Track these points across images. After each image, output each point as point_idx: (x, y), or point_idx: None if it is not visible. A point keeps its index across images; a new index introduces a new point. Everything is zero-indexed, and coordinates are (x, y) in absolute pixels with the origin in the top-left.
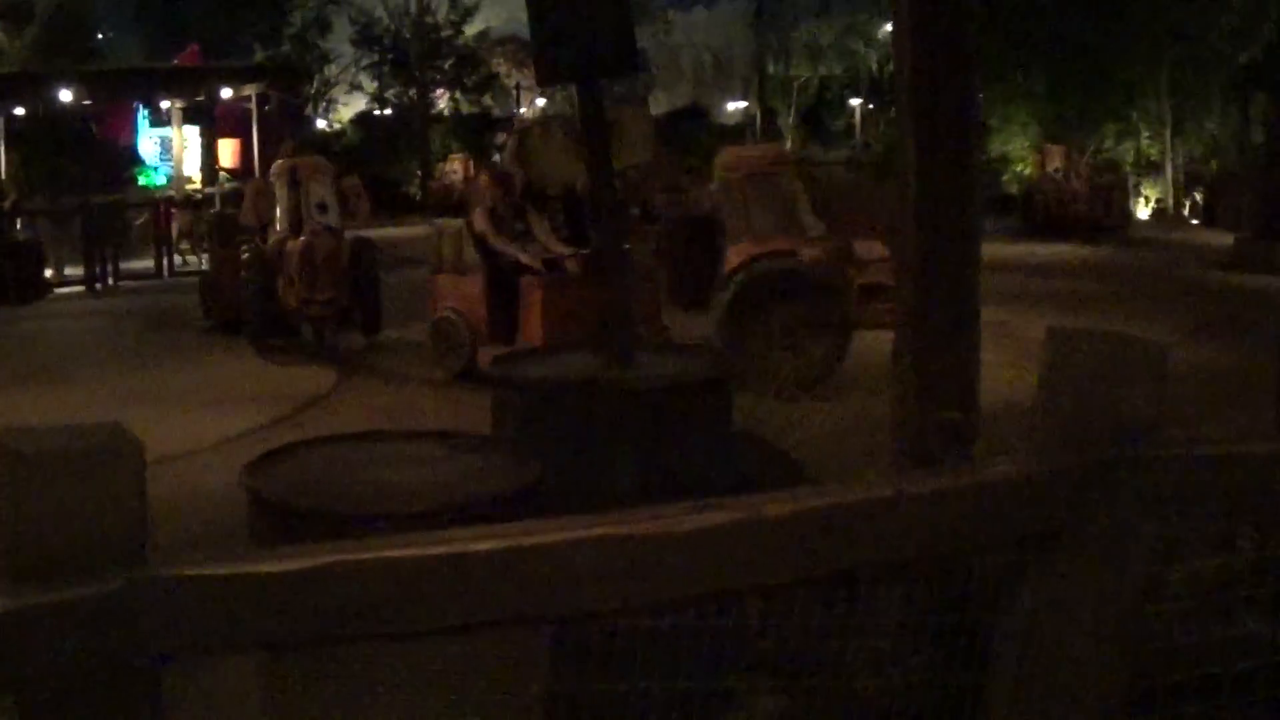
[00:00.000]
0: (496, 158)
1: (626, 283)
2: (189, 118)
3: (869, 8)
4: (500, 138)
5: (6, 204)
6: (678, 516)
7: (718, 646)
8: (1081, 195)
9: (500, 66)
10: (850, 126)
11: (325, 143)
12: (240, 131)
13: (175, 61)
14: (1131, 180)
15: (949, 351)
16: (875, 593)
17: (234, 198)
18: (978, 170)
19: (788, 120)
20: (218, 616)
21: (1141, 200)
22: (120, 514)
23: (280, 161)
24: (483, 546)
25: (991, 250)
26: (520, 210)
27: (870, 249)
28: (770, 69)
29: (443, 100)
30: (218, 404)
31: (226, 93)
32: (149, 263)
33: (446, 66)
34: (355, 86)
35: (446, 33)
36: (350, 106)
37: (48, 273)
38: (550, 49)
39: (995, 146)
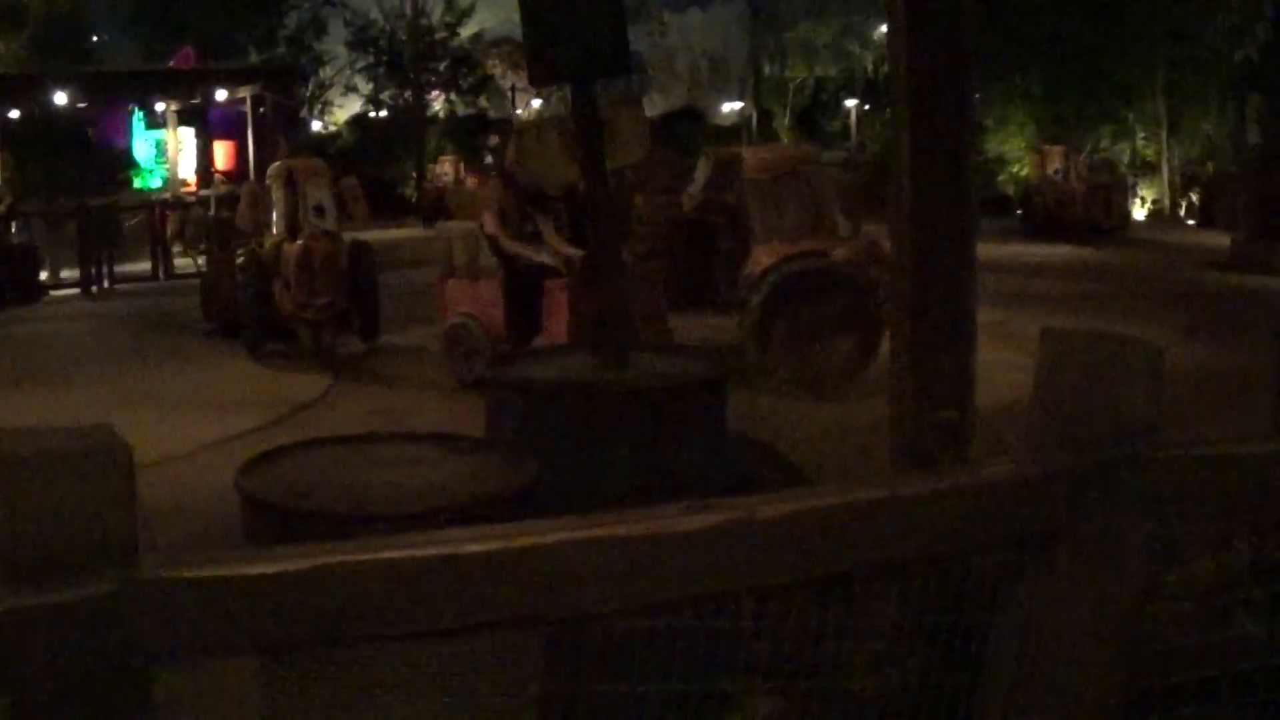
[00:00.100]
0: (489, 159)
1: (622, 283)
2: (184, 120)
3: (864, 9)
4: (492, 139)
5: (2, 207)
6: (673, 517)
7: (714, 648)
8: (1080, 196)
9: (495, 68)
10: (846, 128)
11: (320, 145)
12: (235, 134)
13: (170, 64)
14: (1128, 181)
15: (945, 352)
16: (872, 593)
17: (229, 200)
18: (973, 170)
19: (784, 121)
20: (212, 618)
21: (1138, 201)
22: (113, 516)
23: (277, 164)
24: (478, 547)
25: (989, 251)
26: (528, 212)
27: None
28: (766, 70)
29: (438, 102)
30: (210, 408)
31: (222, 95)
32: (145, 265)
33: (442, 68)
34: (350, 88)
35: (441, 35)
36: (346, 108)
37: (43, 275)
38: (543, 50)
39: (991, 147)
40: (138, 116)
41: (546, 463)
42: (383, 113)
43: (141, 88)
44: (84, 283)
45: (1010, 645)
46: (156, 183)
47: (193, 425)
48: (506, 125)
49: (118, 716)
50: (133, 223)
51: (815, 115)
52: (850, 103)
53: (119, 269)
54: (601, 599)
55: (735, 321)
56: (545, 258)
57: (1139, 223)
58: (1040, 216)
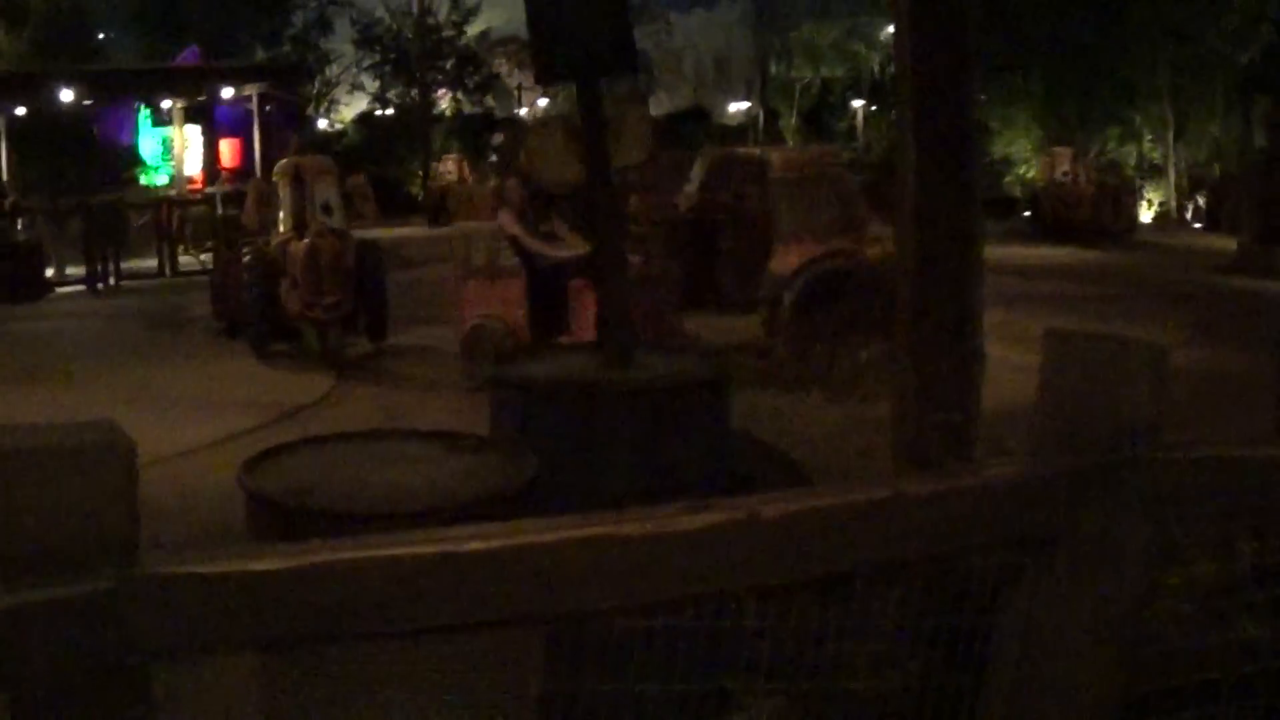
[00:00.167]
0: (493, 158)
1: (624, 283)
2: (190, 117)
3: (870, 9)
4: (496, 138)
5: (7, 204)
6: (674, 517)
7: (715, 647)
8: (1088, 198)
9: (501, 67)
10: (852, 128)
11: (326, 143)
12: (241, 132)
13: (176, 61)
14: (1136, 184)
15: (949, 353)
16: (873, 594)
17: (234, 197)
18: (978, 171)
19: (790, 122)
20: (211, 615)
21: (1144, 204)
22: (112, 512)
23: (284, 161)
24: (478, 545)
25: (996, 252)
26: (545, 211)
27: None
28: (772, 70)
29: (444, 100)
30: (208, 407)
31: (228, 93)
32: (151, 262)
33: (448, 67)
34: (357, 87)
35: (448, 33)
36: (352, 107)
37: (49, 272)
38: (549, 48)
39: (997, 148)
40: (144, 114)
41: (548, 462)
42: (389, 111)
43: (147, 85)
44: (90, 280)
45: (1011, 646)
46: (163, 180)
47: (189, 425)
48: (511, 124)
49: (117, 714)
50: (141, 223)
51: (821, 116)
52: (856, 103)
53: (125, 266)
54: (601, 598)
55: (759, 320)
56: (568, 256)
57: (1145, 225)
58: (1049, 219)
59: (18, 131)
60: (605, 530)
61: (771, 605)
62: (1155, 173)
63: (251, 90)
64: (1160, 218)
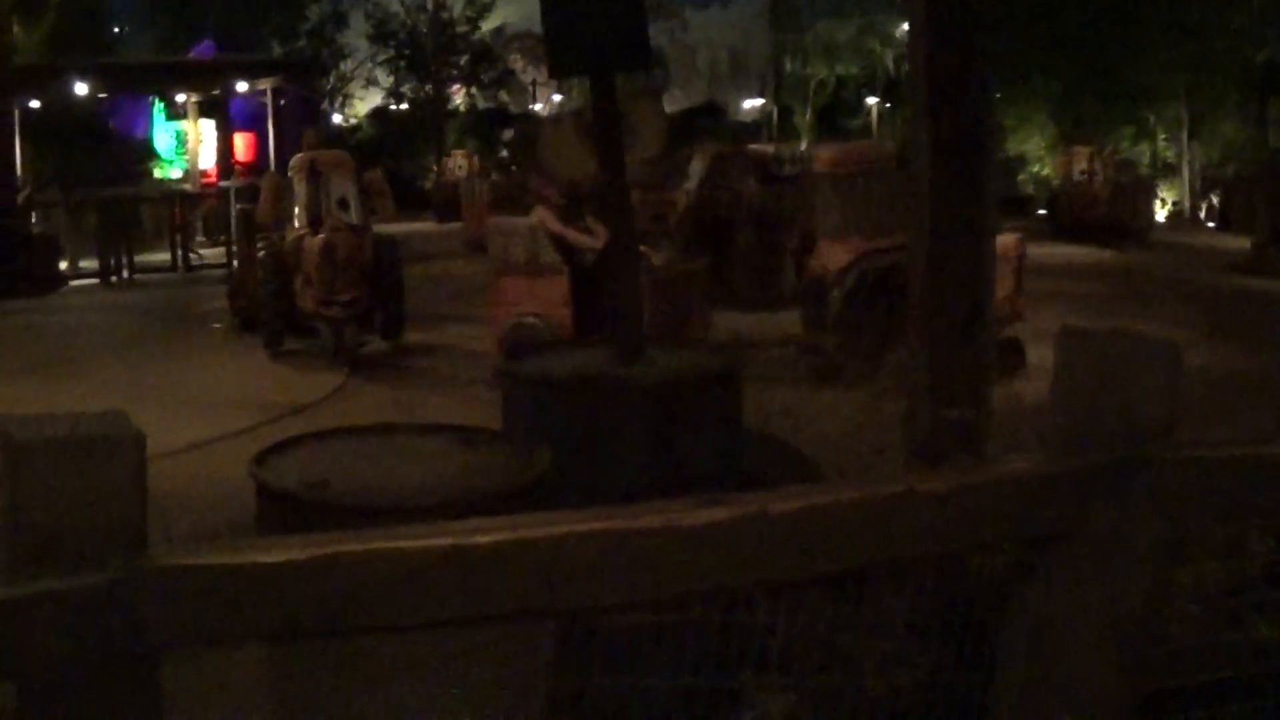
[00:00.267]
0: (503, 153)
1: (637, 277)
2: (205, 111)
3: (885, 7)
4: (506, 134)
5: (21, 197)
6: (684, 512)
7: (724, 644)
8: (1105, 197)
9: (516, 62)
10: (867, 125)
11: (340, 137)
12: (255, 126)
13: (191, 55)
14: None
15: (962, 349)
16: (884, 591)
17: (247, 192)
18: (991, 169)
19: (804, 118)
20: (218, 606)
21: (1158, 203)
22: (120, 503)
23: (300, 155)
24: (486, 539)
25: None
26: (579, 209)
27: None
28: (787, 67)
29: (458, 96)
30: (213, 403)
31: (242, 87)
32: (164, 256)
33: (462, 62)
34: (371, 82)
35: (462, 28)
36: (366, 101)
37: (62, 265)
38: (563, 42)
39: (1011, 146)
40: (158, 108)
41: (558, 457)
42: (403, 106)
43: (162, 79)
44: (103, 273)
45: (1021, 644)
46: (177, 174)
47: (191, 421)
48: (524, 120)
49: (125, 704)
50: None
51: (836, 113)
52: (871, 101)
53: (138, 259)
54: (611, 593)
55: (798, 316)
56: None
57: (1159, 225)
58: (1065, 217)
59: (33, 124)
60: (615, 525)
61: (782, 602)
62: (1169, 172)
63: (266, 85)
64: (1174, 217)
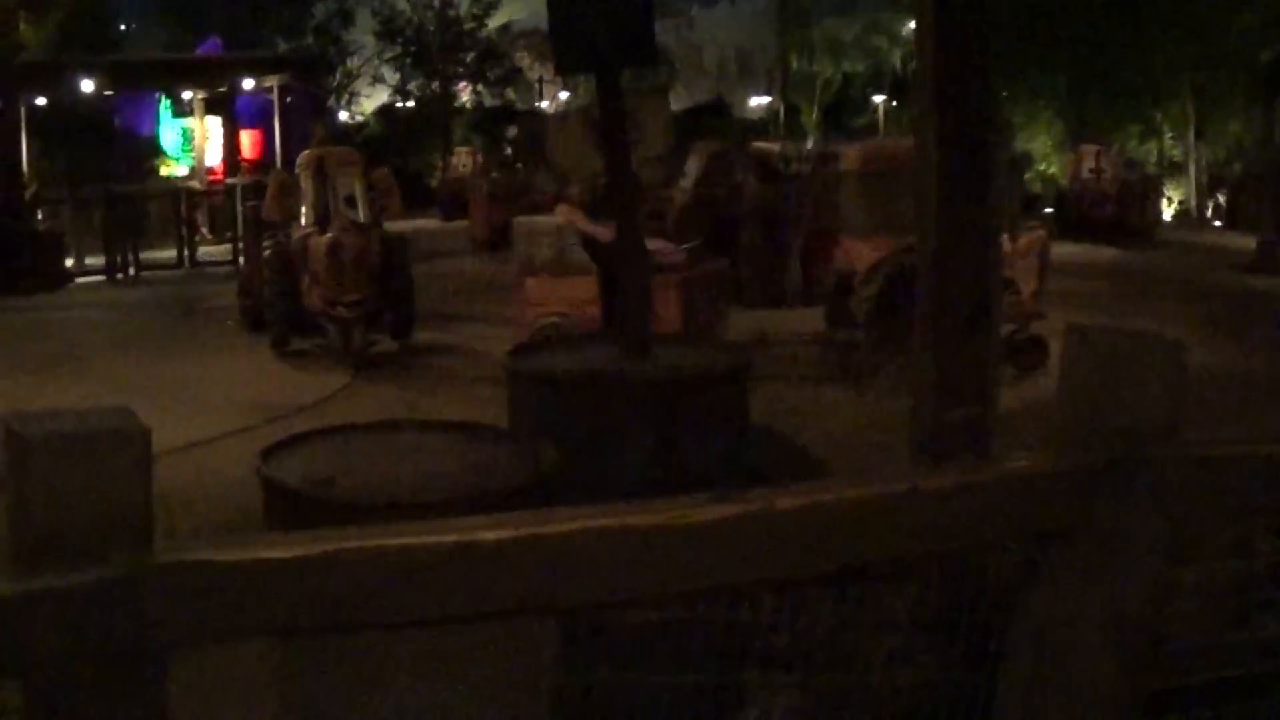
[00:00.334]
0: (508, 150)
1: (644, 273)
2: (211, 108)
3: (892, 5)
4: (510, 131)
5: (28, 194)
6: (689, 508)
7: (730, 640)
8: (1114, 196)
9: (523, 60)
10: (874, 123)
11: (347, 135)
12: (261, 123)
13: (197, 52)
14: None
15: (966, 347)
16: (889, 589)
17: (252, 189)
18: (997, 167)
19: (811, 116)
20: (224, 602)
21: (1165, 201)
22: (126, 499)
23: (307, 152)
24: (492, 535)
25: None
26: (605, 205)
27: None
28: (793, 65)
29: (465, 93)
30: (213, 401)
31: (248, 84)
32: (170, 253)
33: (469, 59)
34: (377, 79)
35: (469, 26)
36: (372, 99)
37: (69, 262)
38: (568, 39)
39: (1018, 145)
40: (165, 104)
41: (564, 453)
42: (409, 103)
43: (168, 76)
44: (109, 269)
45: (1025, 642)
46: (183, 170)
47: (194, 419)
48: (530, 117)
49: (129, 701)
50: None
51: (843, 111)
52: (878, 99)
53: (144, 256)
54: (614, 589)
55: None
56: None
57: (1165, 223)
58: (1073, 216)
59: (39, 121)
60: (620, 521)
61: (787, 599)
62: (1175, 170)
63: (272, 82)
64: (1180, 215)
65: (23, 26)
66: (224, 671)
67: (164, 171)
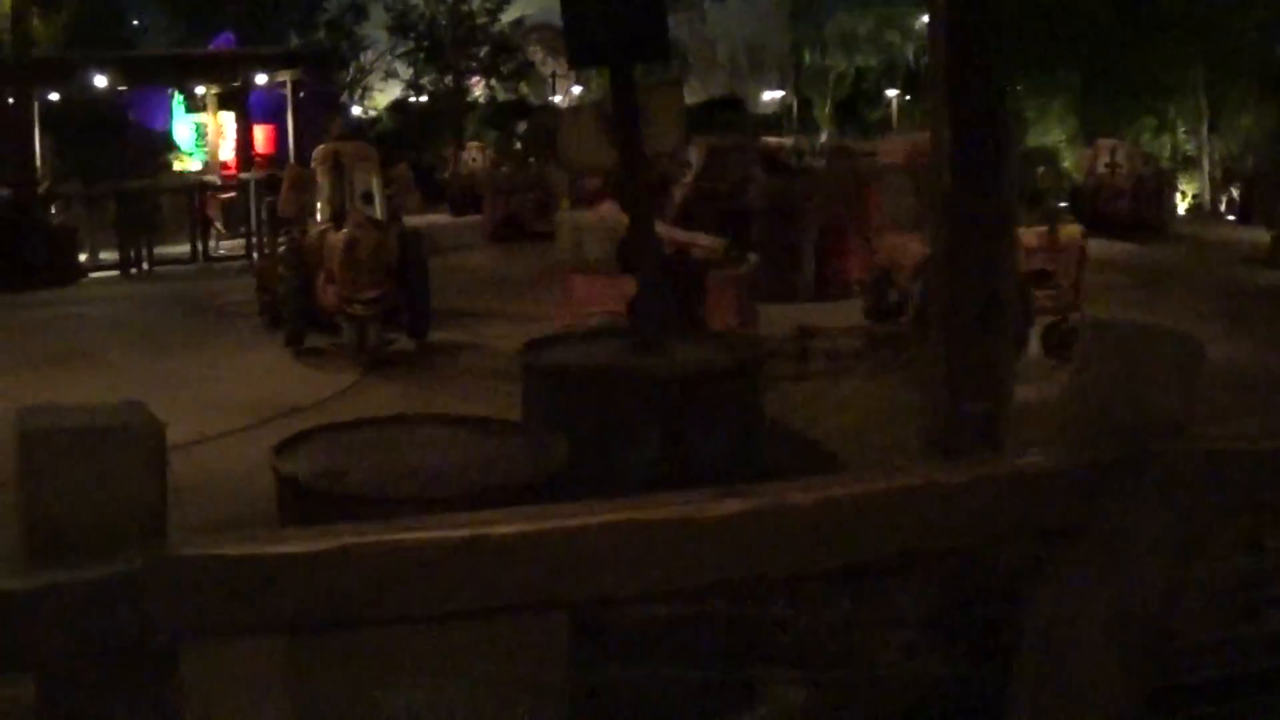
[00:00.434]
0: (517, 145)
1: (657, 267)
2: (224, 104)
3: None
4: (520, 126)
5: (41, 189)
6: (700, 503)
7: (740, 636)
8: (1129, 191)
9: (535, 54)
10: (887, 118)
11: (360, 129)
12: (275, 118)
13: (210, 47)
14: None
15: (979, 343)
16: (899, 585)
17: (270, 184)
18: (1011, 161)
19: (824, 111)
20: (237, 597)
21: (1178, 196)
22: (139, 493)
23: (322, 146)
24: (504, 530)
25: None
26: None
27: (1033, 238)
28: (806, 59)
29: (478, 88)
30: (214, 400)
31: (262, 79)
32: (183, 248)
33: (481, 54)
34: (390, 73)
35: (482, 20)
36: (386, 93)
37: (82, 257)
38: (581, 33)
39: (1031, 139)
40: (178, 100)
41: (575, 447)
42: (422, 98)
43: (181, 71)
44: (123, 265)
45: (1034, 638)
46: (196, 166)
47: (203, 415)
48: (544, 112)
49: (141, 696)
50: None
51: (856, 105)
52: (891, 93)
53: (158, 251)
54: (626, 584)
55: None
56: (707, 244)
57: (1179, 218)
58: (1087, 211)
59: (52, 117)
60: (631, 516)
61: (798, 595)
62: (1189, 165)
63: (286, 77)
64: (1193, 210)
65: (35, 21)
66: (236, 666)
67: (177, 167)
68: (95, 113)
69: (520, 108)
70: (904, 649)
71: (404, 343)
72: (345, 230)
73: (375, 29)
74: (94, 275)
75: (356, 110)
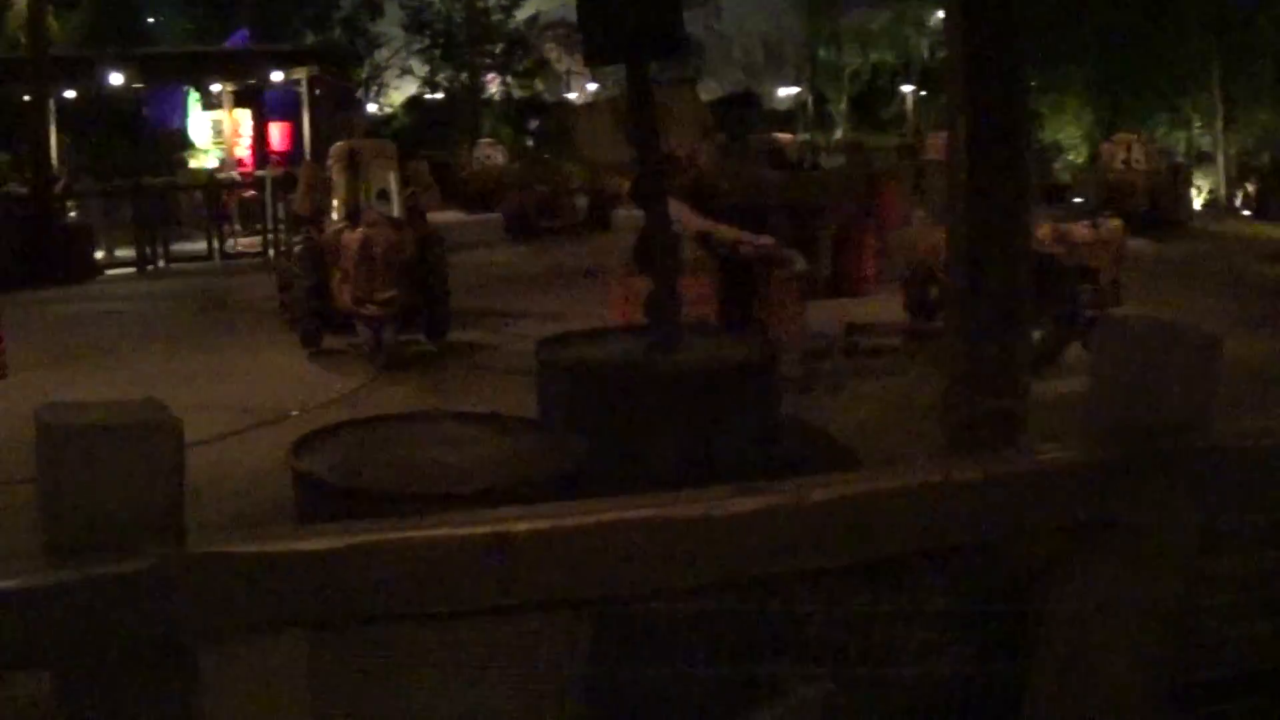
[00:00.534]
0: (529, 142)
1: (674, 265)
2: (240, 101)
3: None
4: (532, 123)
5: (57, 186)
6: (720, 500)
7: (760, 632)
8: (1142, 187)
9: (551, 52)
10: (903, 114)
11: (375, 126)
12: (291, 115)
13: (225, 45)
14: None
15: (998, 337)
16: (919, 580)
17: (286, 181)
18: (1028, 156)
19: (839, 107)
20: (255, 594)
21: (1194, 191)
22: (158, 490)
23: (339, 144)
24: (522, 527)
25: None
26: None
27: (1078, 232)
28: (821, 55)
29: (493, 85)
30: (237, 397)
31: (277, 76)
32: (200, 245)
33: (497, 51)
34: (406, 71)
35: (497, 17)
36: (401, 91)
37: (98, 254)
38: (596, 29)
39: (1047, 134)
40: (193, 97)
41: (594, 445)
42: (438, 95)
43: (197, 69)
44: (139, 262)
45: (1056, 635)
46: (212, 163)
47: (214, 414)
48: (559, 109)
49: (162, 692)
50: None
51: (871, 101)
52: (906, 89)
53: (174, 248)
54: (645, 581)
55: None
56: (764, 243)
57: (1195, 213)
58: (1104, 206)
59: (68, 115)
60: (651, 513)
61: (818, 591)
62: (1204, 160)
63: (301, 74)
64: (1209, 205)
65: (51, 19)
66: (256, 663)
67: (193, 164)
68: (111, 110)
69: (535, 105)
70: (924, 645)
71: (422, 344)
72: (361, 229)
73: (390, 26)
74: (110, 272)
75: (372, 107)
